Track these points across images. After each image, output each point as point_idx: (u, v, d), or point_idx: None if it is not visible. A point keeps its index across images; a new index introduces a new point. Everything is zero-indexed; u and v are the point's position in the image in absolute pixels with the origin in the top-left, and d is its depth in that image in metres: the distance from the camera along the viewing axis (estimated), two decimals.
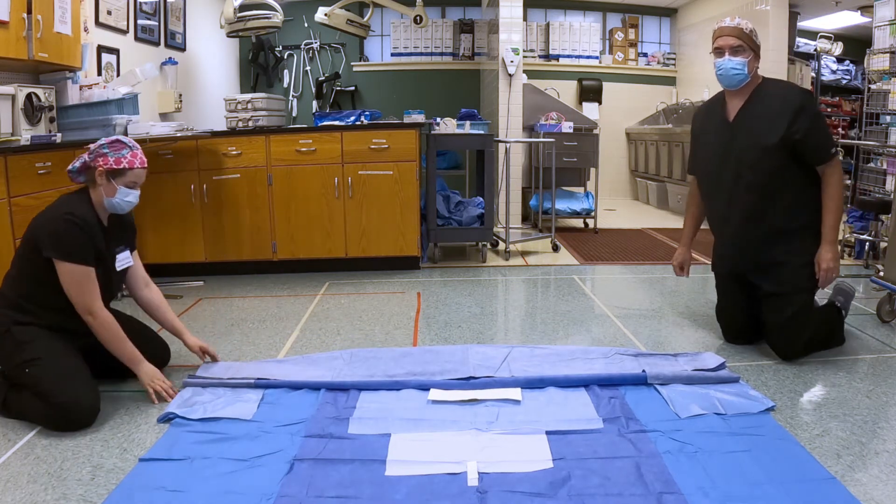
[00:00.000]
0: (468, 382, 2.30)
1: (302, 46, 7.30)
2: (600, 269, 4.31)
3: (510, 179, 5.13)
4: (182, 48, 5.44)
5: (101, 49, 4.17)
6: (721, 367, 2.42)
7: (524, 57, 5.96)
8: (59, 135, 3.25)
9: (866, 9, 6.13)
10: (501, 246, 4.73)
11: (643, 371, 2.33)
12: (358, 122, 4.32)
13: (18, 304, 2.13)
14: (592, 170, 5.90)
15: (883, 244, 4.04)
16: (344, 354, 2.60)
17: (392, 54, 7.48)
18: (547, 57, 7.67)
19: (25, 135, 3.08)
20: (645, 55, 7.96)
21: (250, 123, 4.30)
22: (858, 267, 4.24)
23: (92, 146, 2.22)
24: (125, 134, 3.49)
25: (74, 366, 2.10)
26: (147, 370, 2.22)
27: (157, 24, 4.94)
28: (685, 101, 7.13)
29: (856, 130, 6.82)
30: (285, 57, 7.31)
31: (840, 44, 6.95)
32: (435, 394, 2.22)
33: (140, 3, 4.68)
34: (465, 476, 1.71)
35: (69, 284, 2.10)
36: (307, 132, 4.03)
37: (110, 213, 2.30)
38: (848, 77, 7.85)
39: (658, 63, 7.92)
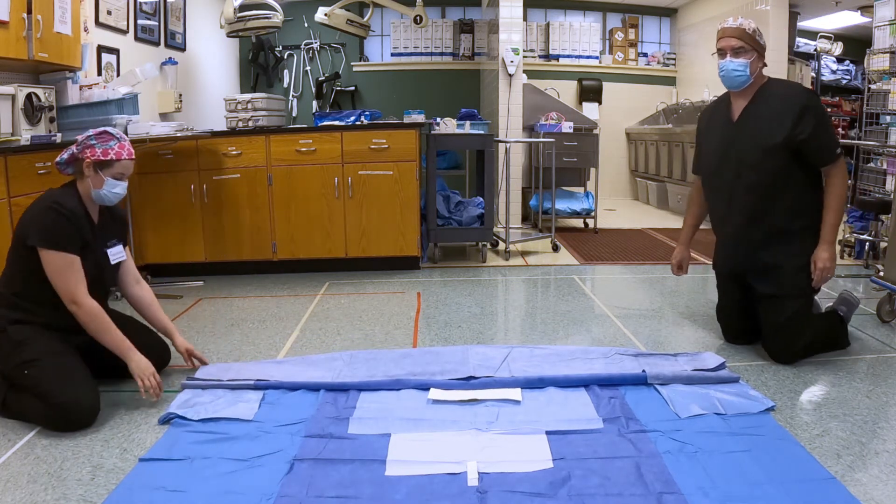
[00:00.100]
0: (468, 382, 2.30)
1: (302, 46, 7.30)
2: (600, 269, 4.31)
3: (510, 179, 5.13)
4: (182, 48, 5.44)
5: (101, 49, 4.17)
6: (721, 367, 2.41)
7: (524, 57, 5.96)
8: (59, 135, 3.25)
9: (866, 9, 6.13)
10: (501, 246, 4.73)
11: (643, 371, 2.33)
12: (358, 122, 4.32)
13: (13, 302, 2.13)
14: (592, 170, 5.90)
15: (883, 244, 4.04)
16: (344, 356, 2.60)
17: (392, 54, 7.48)
18: (547, 57, 7.67)
19: (25, 135, 3.08)
20: (645, 55, 7.97)
21: (250, 123, 4.30)
22: (858, 267, 4.24)
23: (80, 137, 2.22)
24: (125, 134, 3.49)
25: (74, 366, 2.09)
26: (138, 360, 2.17)
27: (157, 24, 4.94)
28: (685, 101, 7.13)
29: (856, 130, 6.82)
30: (285, 57, 7.31)
31: (840, 44, 6.95)
32: (435, 394, 2.22)
33: (140, 3, 4.68)
34: (465, 476, 1.71)
35: (53, 273, 2.08)
36: (307, 132, 4.03)
37: (100, 207, 2.30)
38: (848, 77, 7.85)
39: (658, 63, 7.92)
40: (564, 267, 4.37)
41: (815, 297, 2.65)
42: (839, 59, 7.69)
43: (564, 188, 6.00)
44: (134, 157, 2.27)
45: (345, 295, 3.67)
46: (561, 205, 5.68)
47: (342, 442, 1.90)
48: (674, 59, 7.90)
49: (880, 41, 4.92)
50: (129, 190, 3.75)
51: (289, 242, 4.08)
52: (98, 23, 4.13)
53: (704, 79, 7.03)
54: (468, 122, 4.80)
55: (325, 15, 5.31)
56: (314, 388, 2.27)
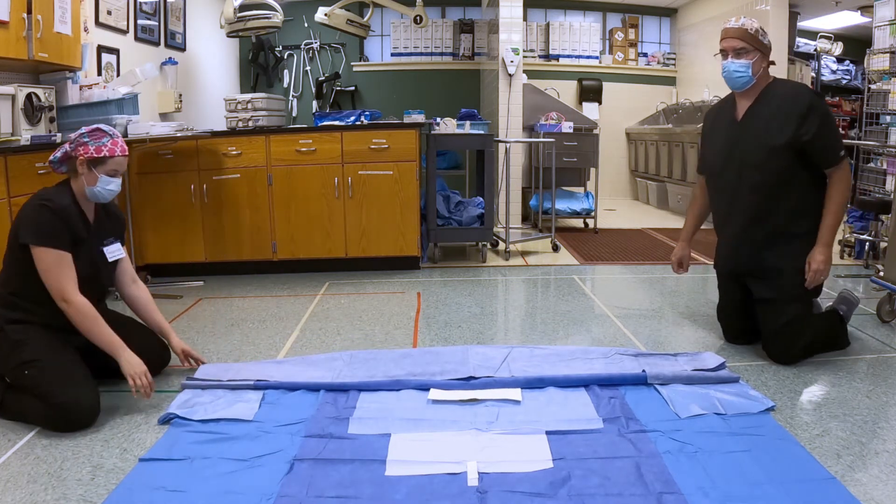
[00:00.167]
0: (468, 382, 2.30)
1: (302, 46, 7.30)
2: (600, 269, 4.31)
3: (510, 179, 5.14)
4: (182, 48, 5.44)
5: (101, 49, 4.17)
6: (721, 367, 2.41)
7: (524, 57, 5.96)
8: (59, 135, 3.25)
9: (866, 9, 6.13)
10: (501, 246, 4.73)
11: (643, 371, 2.33)
12: (358, 122, 4.32)
13: (12, 301, 2.13)
14: (592, 170, 5.90)
15: (883, 244, 4.04)
16: (344, 356, 2.60)
17: (392, 54, 7.48)
18: (547, 57, 7.67)
19: (25, 135, 3.08)
20: (645, 55, 7.97)
21: (250, 123, 4.30)
22: (858, 267, 4.24)
23: (72, 135, 2.21)
24: (125, 134, 3.49)
25: (74, 366, 2.09)
26: (129, 359, 2.13)
27: (157, 24, 4.94)
28: (685, 101, 7.13)
29: (856, 130, 6.82)
30: (285, 57, 7.31)
31: (840, 44, 6.95)
32: (435, 394, 2.22)
33: (140, 3, 4.68)
34: (465, 476, 1.71)
35: (43, 270, 2.08)
36: (307, 132, 4.03)
37: (96, 205, 2.29)
38: (848, 77, 7.85)
39: (658, 63, 7.92)
40: (564, 267, 4.37)
41: (816, 298, 2.65)
42: (839, 59, 7.69)
43: (564, 188, 6.00)
44: (127, 153, 2.26)
45: (345, 295, 3.67)
46: (561, 205, 5.68)
47: (342, 442, 1.90)
48: (674, 59, 7.90)
49: (880, 41, 4.93)
50: (130, 190, 3.77)
51: (289, 242, 4.08)
52: (98, 23, 4.13)
53: (704, 79, 7.03)
54: (468, 122, 4.80)
55: (325, 15, 5.31)
56: (314, 388, 2.27)
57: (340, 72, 7.34)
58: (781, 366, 2.52)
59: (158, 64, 4.82)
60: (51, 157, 2.24)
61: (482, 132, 4.70)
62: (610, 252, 4.79)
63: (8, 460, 1.84)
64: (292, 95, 7.32)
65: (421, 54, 7.44)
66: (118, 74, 4.30)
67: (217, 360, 2.63)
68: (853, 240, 4.47)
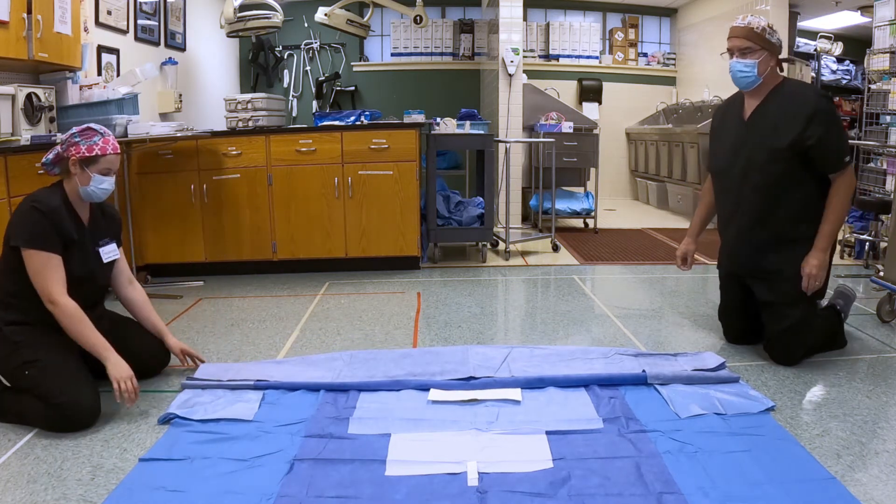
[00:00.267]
0: (468, 383, 2.30)
1: (302, 46, 7.30)
2: (600, 269, 4.31)
3: (510, 179, 5.14)
4: (182, 48, 5.44)
5: (101, 49, 4.17)
6: (721, 367, 2.41)
7: (524, 57, 5.96)
8: (59, 135, 3.24)
9: (866, 9, 6.13)
10: (501, 246, 4.73)
11: (643, 371, 2.33)
12: (358, 122, 4.32)
13: (9, 303, 2.13)
14: (592, 170, 5.90)
15: (883, 244, 4.04)
16: (344, 356, 2.60)
17: (392, 54, 7.48)
18: (547, 57, 7.67)
19: (25, 135, 3.08)
20: (645, 55, 7.97)
21: (250, 123, 4.30)
22: (858, 267, 4.24)
23: (63, 136, 2.20)
24: (125, 134, 3.49)
25: (74, 366, 2.09)
26: (115, 362, 2.10)
27: (157, 24, 4.94)
28: (685, 101, 7.13)
29: (856, 130, 6.82)
30: (285, 57, 7.31)
31: (840, 44, 6.95)
32: (435, 394, 2.22)
33: (140, 3, 4.68)
34: (465, 476, 1.71)
35: (32, 272, 2.07)
36: (307, 132, 4.03)
37: (91, 206, 2.28)
38: (848, 77, 7.84)
39: (658, 63, 7.92)
40: (564, 267, 4.37)
41: (820, 300, 2.64)
42: (839, 59, 7.69)
43: (564, 188, 6.00)
44: (119, 151, 2.25)
45: (345, 295, 3.67)
46: (561, 205, 5.68)
47: (342, 442, 1.90)
48: (674, 59, 7.90)
49: (880, 41, 4.93)
50: (130, 190, 3.77)
51: (289, 242, 4.08)
52: (98, 23, 4.13)
53: (704, 79, 7.03)
54: (468, 122, 4.80)
55: (325, 15, 5.31)
56: (314, 388, 2.27)
57: (340, 72, 7.34)
58: (782, 366, 2.52)
59: (158, 64, 4.82)
60: (43, 159, 2.22)
61: (482, 132, 4.70)
62: (610, 252, 4.79)
63: (8, 460, 1.84)
64: (292, 95, 7.32)
65: (421, 54, 7.44)
66: (118, 74, 4.30)
67: (217, 360, 2.63)
68: (853, 240, 4.48)
